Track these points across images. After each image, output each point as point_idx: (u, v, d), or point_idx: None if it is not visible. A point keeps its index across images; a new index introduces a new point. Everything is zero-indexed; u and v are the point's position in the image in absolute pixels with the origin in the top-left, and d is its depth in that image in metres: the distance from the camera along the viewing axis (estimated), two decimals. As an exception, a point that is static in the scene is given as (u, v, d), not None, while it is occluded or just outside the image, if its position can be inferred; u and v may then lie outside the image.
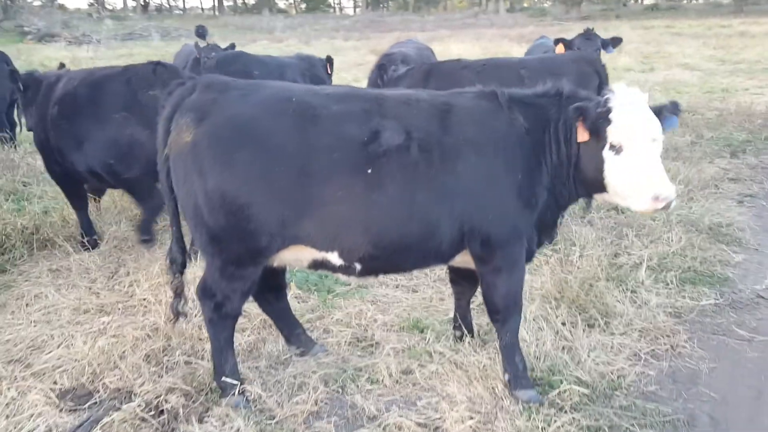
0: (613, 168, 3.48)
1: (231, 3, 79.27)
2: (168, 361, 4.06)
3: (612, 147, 3.45)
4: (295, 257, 3.66)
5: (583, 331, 4.54)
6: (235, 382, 3.68)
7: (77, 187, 6.19)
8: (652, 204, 3.38)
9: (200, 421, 3.54)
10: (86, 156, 5.69)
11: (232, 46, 11.55)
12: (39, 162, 7.48)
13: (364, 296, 5.11)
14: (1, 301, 5.10)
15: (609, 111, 3.45)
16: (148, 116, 5.24)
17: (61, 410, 3.63)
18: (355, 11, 79.62)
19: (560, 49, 8.85)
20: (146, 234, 5.90)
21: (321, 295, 5.11)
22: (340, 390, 3.89)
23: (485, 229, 3.56)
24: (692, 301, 5.13)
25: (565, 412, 3.63)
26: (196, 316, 4.47)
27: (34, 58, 22.78)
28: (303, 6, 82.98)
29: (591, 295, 4.94)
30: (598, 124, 3.46)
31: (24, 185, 7.75)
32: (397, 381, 3.96)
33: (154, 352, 4.14)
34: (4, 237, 6.02)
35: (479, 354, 4.18)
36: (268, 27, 44.43)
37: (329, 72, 9.93)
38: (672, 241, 6.12)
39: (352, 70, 19.86)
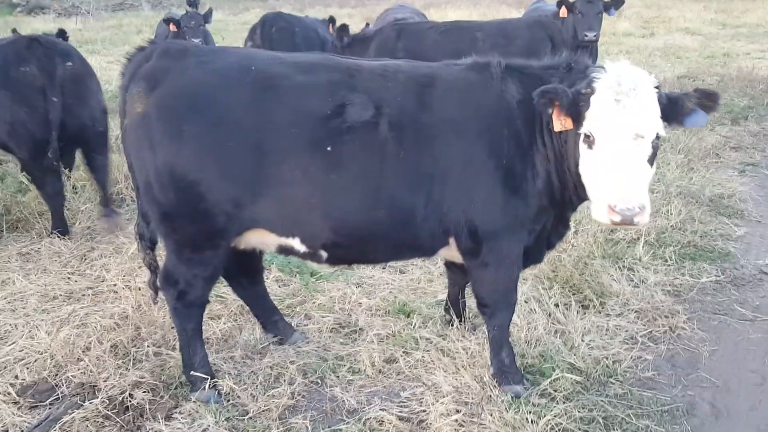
0: (584, 164, 3.01)
1: (222, -29, 77.43)
2: (136, 352, 3.81)
3: (585, 138, 2.96)
4: (259, 241, 3.40)
5: (577, 313, 4.30)
6: (204, 376, 3.44)
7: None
8: (607, 215, 2.86)
9: (167, 418, 3.32)
10: None
11: (209, 11, 11.14)
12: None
13: (348, 278, 4.86)
14: (-35, 287, 4.83)
15: (592, 92, 2.93)
16: (23, 93, 5.18)
17: (20, 407, 3.41)
18: (349, -22, 77.86)
19: (563, 12, 8.47)
20: (58, 226, 5.66)
21: (303, 278, 4.85)
22: (319, 381, 3.66)
23: (470, 219, 3.21)
24: (692, 278, 4.90)
25: (557, 402, 3.41)
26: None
27: (22, 31, 22.11)
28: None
29: (586, 274, 4.71)
30: (578, 108, 2.95)
31: (-1, 163, 7.43)
32: (380, 370, 3.74)
33: (122, 342, 3.89)
34: (-30, 219, 5.74)
35: (468, 340, 3.95)
36: (262, -6, 43.38)
37: (332, 32, 9.67)
38: (671, 214, 5.86)
39: (344, 38, 19.31)
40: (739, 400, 3.57)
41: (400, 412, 3.37)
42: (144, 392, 3.46)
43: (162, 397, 3.47)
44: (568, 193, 3.29)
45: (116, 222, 5.69)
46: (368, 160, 3.12)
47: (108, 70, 12.37)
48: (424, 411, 3.37)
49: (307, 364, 3.77)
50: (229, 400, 3.46)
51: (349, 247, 3.32)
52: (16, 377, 3.64)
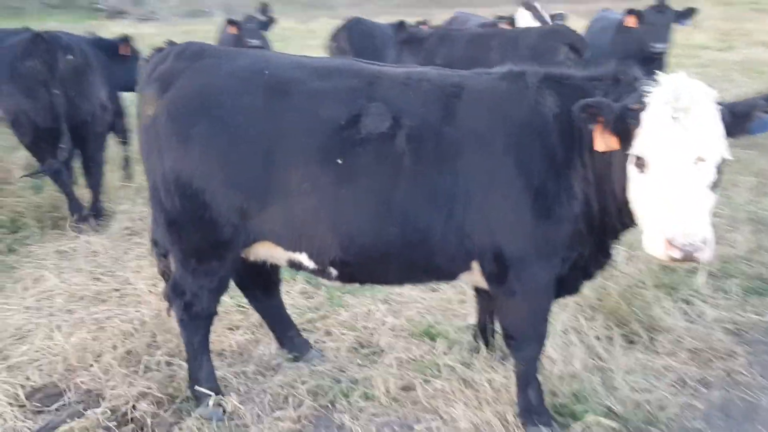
0: (635, 190, 2.67)
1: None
2: (148, 360, 3.70)
3: (636, 160, 2.61)
4: (268, 254, 3.22)
5: (622, 348, 3.91)
6: (209, 392, 3.28)
7: None
8: (664, 250, 2.50)
9: (167, 434, 3.18)
10: None
11: (270, 20, 11.20)
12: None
13: (375, 294, 4.63)
14: (0, 283, 4.89)
15: (643, 108, 2.58)
16: (28, 86, 5.49)
17: (25, 411, 3.34)
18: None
19: (631, 21, 8.01)
20: (75, 209, 5.88)
21: (329, 291, 4.66)
22: (329, 405, 3.44)
23: (496, 242, 2.91)
24: (756, 316, 4.40)
25: (587, 450, 3.06)
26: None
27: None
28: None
29: (634, 305, 4.29)
30: (626, 125, 2.62)
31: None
32: (394, 398, 3.48)
33: (135, 349, 3.80)
34: (16, 214, 5.85)
35: (495, 371, 3.63)
36: (332, 4, 43.98)
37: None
38: (737, 242, 5.33)
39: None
40: (803, 464, 3.12)
41: (411, 447, 3.12)
42: (148, 404, 3.33)
43: (166, 410, 3.34)
44: (611, 220, 2.95)
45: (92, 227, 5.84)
46: (382, 175, 2.89)
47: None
48: (437, 448, 3.10)
49: (319, 386, 3.55)
50: (233, 419, 3.29)
51: (360, 266, 3.09)
52: (27, 378, 3.59)
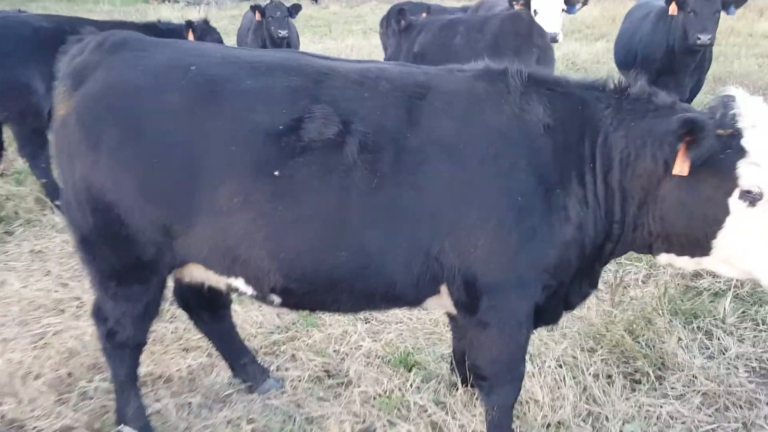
0: (740, 226, 2.38)
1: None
2: (87, 386, 3.36)
3: (745, 194, 2.34)
4: (204, 277, 2.81)
5: (623, 389, 3.39)
6: (134, 431, 2.91)
7: None
8: None
9: (83, 480, 2.82)
10: None
11: (296, 6, 10.77)
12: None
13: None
14: (-38, 287, 4.63)
15: (740, 135, 2.33)
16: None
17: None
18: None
19: (672, 8, 7.27)
20: (56, 195, 5.70)
21: (304, 307, 4.23)
22: (275, 450, 3.04)
23: (467, 266, 2.52)
24: (789, 354, 3.80)
25: None
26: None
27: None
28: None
29: (643, 338, 3.75)
30: (725, 156, 2.34)
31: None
32: (350, 445, 3.05)
33: (75, 371, 3.46)
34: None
35: (470, 413, 3.17)
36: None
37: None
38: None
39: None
40: None
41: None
42: (72, 440, 2.98)
43: (89, 450, 2.98)
44: (609, 246, 2.64)
45: None
46: (328, 190, 2.46)
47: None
48: None
49: (268, 426, 3.15)
50: (163, 463, 2.92)
51: (305, 295, 2.68)
52: (-44, 402, 3.29)
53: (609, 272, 4.56)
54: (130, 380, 2.95)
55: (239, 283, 2.68)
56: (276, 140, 2.46)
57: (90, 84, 2.55)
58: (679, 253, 2.59)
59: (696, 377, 3.52)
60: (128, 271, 2.69)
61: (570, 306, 2.87)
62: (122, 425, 2.93)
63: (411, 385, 3.42)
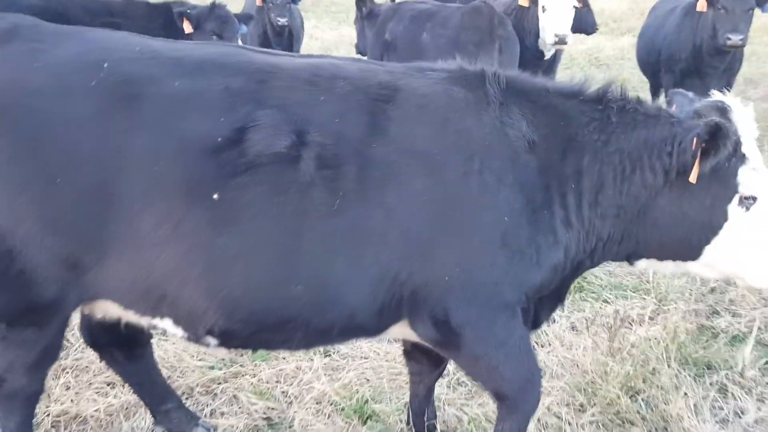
0: (733, 231, 2.40)
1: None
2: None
3: (744, 200, 2.37)
4: (120, 314, 2.34)
5: (613, 463, 2.84)
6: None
7: None
8: None
9: None
10: None
11: None
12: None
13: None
14: None
15: (739, 142, 2.35)
16: None
17: None
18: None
19: (701, 4, 6.61)
20: None
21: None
22: None
23: (442, 296, 2.24)
24: (820, 422, 3.20)
25: None
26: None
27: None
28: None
29: (642, 396, 3.18)
30: (731, 163, 2.35)
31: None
32: None
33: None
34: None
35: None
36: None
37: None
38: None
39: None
40: None
41: None
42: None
43: None
44: (588, 263, 2.53)
45: None
46: (280, 215, 2.11)
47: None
48: None
49: (182, 492, 2.65)
50: None
51: (251, 335, 2.30)
52: None
53: (609, 308, 3.99)
54: (22, 432, 2.47)
55: (166, 324, 2.27)
56: (213, 155, 2.08)
57: None
58: (662, 258, 2.55)
59: (703, 449, 2.95)
60: (22, 314, 2.21)
61: (537, 325, 2.66)
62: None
63: (363, 443, 2.90)
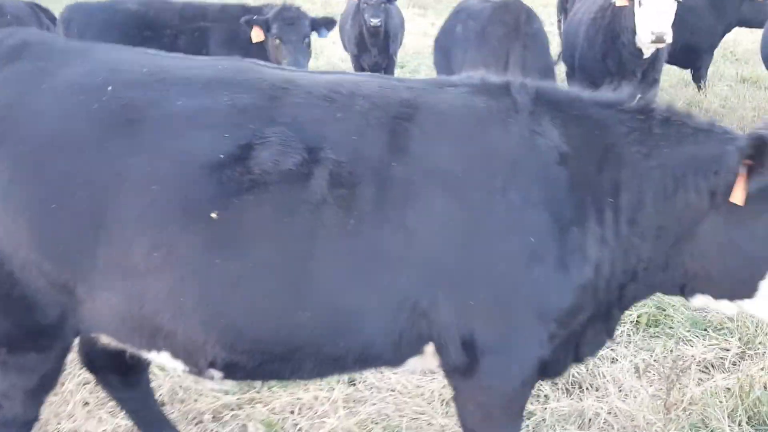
0: None
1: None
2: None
3: None
4: (121, 346, 2.33)
5: None
6: None
7: None
8: None
9: None
10: None
11: None
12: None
13: (341, 372, 3.49)
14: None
15: None
16: None
17: None
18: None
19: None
20: None
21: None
22: None
23: (465, 322, 2.15)
24: None
25: None
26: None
27: None
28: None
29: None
30: None
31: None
32: None
33: None
34: None
35: None
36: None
37: None
38: None
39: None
40: None
41: None
42: None
43: None
44: (632, 288, 2.30)
45: None
46: (287, 236, 2.03)
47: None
48: None
49: None
50: None
51: (256, 367, 2.22)
52: None
53: (686, 348, 3.45)
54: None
55: (164, 358, 2.21)
56: (214, 173, 2.00)
57: None
58: (717, 296, 2.30)
59: None
60: (22, 338, 2.23)
61: (580, 357, 2.49)
62: None
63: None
